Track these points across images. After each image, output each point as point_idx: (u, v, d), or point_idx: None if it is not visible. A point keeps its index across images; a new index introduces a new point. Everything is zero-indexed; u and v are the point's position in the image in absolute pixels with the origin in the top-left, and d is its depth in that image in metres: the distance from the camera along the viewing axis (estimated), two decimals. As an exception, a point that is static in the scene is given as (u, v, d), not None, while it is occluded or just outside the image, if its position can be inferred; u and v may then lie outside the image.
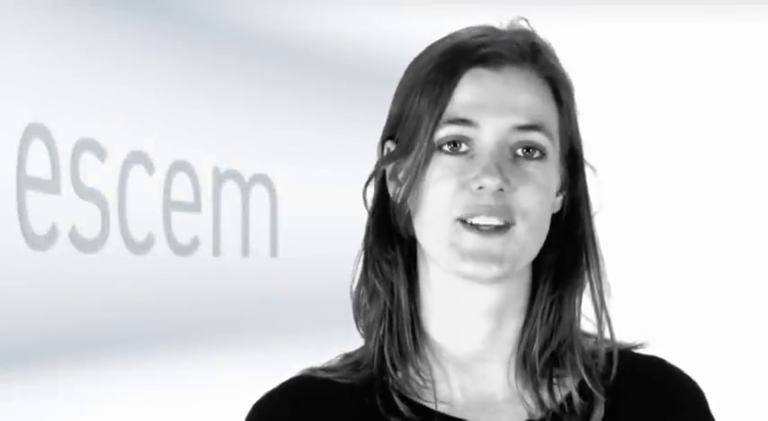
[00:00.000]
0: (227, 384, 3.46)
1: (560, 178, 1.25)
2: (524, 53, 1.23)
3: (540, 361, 1.26)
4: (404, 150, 1.23)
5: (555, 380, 1.26)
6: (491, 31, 1.24)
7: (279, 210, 3.94)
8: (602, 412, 1.25)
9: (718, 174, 4.45)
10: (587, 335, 1.29)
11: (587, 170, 1.28)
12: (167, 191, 3.44)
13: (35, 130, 2.90)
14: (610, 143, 3.75)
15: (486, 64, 1.21)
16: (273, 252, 3.94)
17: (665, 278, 4.41)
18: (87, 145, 3.09)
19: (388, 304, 1.26)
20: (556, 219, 1.26)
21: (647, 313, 3.80)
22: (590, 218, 1.28)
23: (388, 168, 1.26)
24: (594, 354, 1.27)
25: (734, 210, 4.43)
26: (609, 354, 1.28)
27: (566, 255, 1.27)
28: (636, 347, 1.32)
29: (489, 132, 1.20)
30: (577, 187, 1.27)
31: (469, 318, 1.25)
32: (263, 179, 3.88)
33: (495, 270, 1.19)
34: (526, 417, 1.25)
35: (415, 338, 1.27)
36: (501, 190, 1.18)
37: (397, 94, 1.26)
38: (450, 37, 1.25)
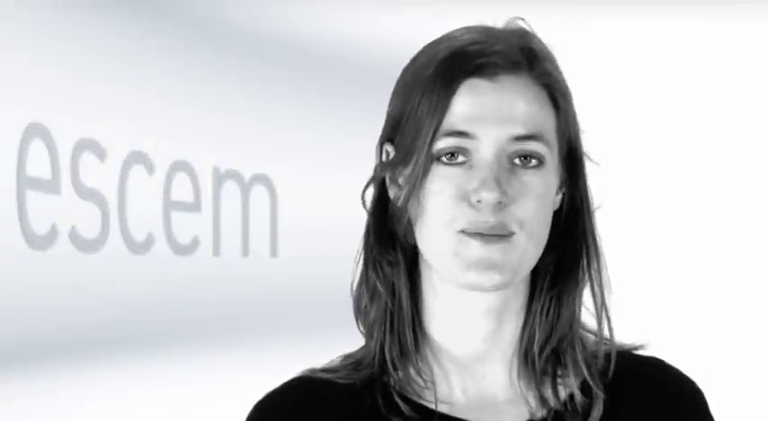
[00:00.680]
0: (227, 384, 3.46)
1: (559, 178, 1.25)
2: (520, 61, 1.22)
3: (540, 358, 1.26)
4: (402, 158, 1.23)
5: (558, 379, 1.26)
6: (488, 36, 1.23)
7: (279, 210, 3.94)
8: (601, 410, 1.25)
9: (718, 173, 4.45)
10: (588, 333, 1.29)
11: (590, 165, 1.28)
12: (167, 191, 3.44)
13: (35, 130, 2.90)
14: (610, 143, 3.75)
15: (482, 74, 1.21)
16: (273, 252, 3.94)
17: (664, 278, 4.41)
18: (87, 145, 3.09)
19: (390, 305, 1.26)
20: (556, 216, 1.26)
21: (647, 313, 3.80)
22: (590, 214, 1.28)
23: (388, 173, 1.27)
24: (594, 354, 1.28)
25: (734, 210, 4.43)
26: (609, 354, 1.28)
27: (565, 252, 1.27)
28: (636, 348, 1.32)
29: (487, 143, 1.20)
30: (577, 185, 1.27)
31: (470, 319, 1.26)
32: (263, 179, 3.88)
33: (496, 278, 1.20)
34: (527, 417, 1.25)
35: (416, 338, 1.27)
36: (500, 203, 1.19)
37: (395, 94, 1.26)
38: (447, 39, 1.24)
